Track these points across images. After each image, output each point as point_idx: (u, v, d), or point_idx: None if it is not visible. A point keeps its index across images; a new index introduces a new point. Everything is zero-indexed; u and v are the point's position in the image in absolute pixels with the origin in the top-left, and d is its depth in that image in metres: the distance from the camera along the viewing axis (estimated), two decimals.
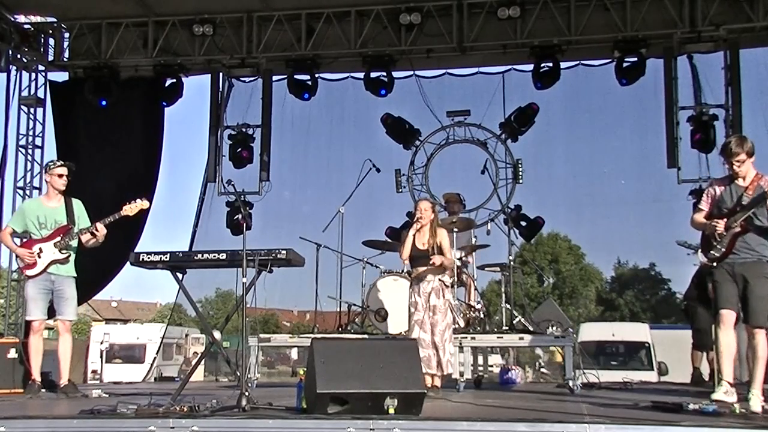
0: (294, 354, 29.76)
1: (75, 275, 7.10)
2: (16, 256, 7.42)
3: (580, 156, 13.13)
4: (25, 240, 7.20)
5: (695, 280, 8.73)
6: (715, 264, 5.44)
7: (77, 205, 7.18)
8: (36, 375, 6.99)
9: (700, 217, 5.57)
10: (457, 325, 7.59)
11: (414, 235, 7.07)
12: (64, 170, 7.10)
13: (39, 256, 6.92)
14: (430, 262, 6.95)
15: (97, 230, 6.90)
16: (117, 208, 6.99)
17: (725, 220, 5.35)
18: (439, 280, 7.05)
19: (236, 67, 12.12)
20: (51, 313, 7.18)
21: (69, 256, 7.02)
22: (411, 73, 12.09)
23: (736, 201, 5.38)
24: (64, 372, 7.01)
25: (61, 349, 7.04)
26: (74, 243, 7.01)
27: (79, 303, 7.45)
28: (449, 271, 7.58)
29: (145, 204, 7.04)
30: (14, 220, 7.32)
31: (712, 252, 5.42)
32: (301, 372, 5.08)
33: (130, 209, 6.96)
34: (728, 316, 5.34)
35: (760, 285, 5.28)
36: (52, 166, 7.18)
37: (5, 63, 11.80)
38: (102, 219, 6.94)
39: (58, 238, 6.97)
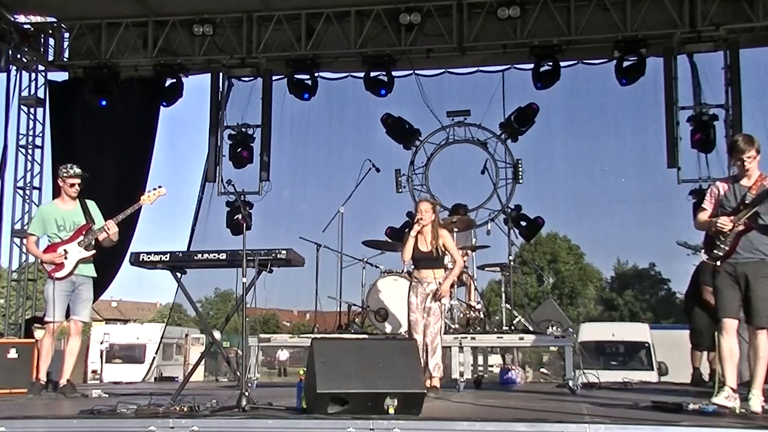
0: (282, 355, 29.85)
1: (95, 275, 7.14)
2: (41, 261, 7.30)
3: (580, 156, 13.14)
4: (47, 244, 7.10)
5: (694, 279, 8.75)
6: (718, 263, 5.39)
7: (92, 205, 7.22)
8: (42, 375, 6.99)
9: (704, 217, 5.51)
10: (447, 328, 7.60)
11: (416, 237, 7.06)
12: (76, 180, 7.09)
13: (66, 258, 6.93)
14: (438, 296, 6.96)
15: (108, 228, 6.92)
16: (114, 209, 7.01)
17: (732, 218, 5.31)
18: (439, 283, 7.04)
19: (236, 67, 12.13)
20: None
21: (94, 253, 7.03)
22: (411, 72, 12.08)
23: (740, 200, 5.35)
24: (66, 371, 7.00)
25: (69, 349, 7.05)
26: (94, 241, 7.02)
27: None
28: None
29: (163, 191, 7.04)
30: (34, 227, 7.23)
31: (715, 251, 5.36)
32: (301, 372, 5.07)
33: (149, 198, 6.97)
34: (730, 324, 5.30)
35: (762, 286, 5.23)
36: (64, 174, 7.11)
37: (5, 63, 11.81)
38: (121, 212, 6.92)
39: (81, 237, 6.99)
